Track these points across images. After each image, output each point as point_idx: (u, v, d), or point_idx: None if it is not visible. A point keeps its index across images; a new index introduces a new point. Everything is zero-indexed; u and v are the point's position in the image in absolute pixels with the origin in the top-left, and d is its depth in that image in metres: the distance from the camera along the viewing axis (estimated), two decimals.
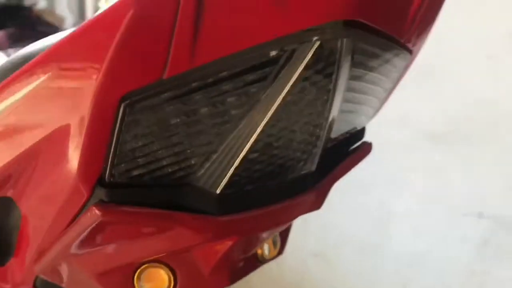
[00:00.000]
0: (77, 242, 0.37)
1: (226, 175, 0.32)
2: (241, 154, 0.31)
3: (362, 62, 0.32)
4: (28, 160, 0.33)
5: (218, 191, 0.32)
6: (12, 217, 0.44)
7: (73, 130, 0.28)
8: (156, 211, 0.32)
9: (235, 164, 0.31)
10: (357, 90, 0.36)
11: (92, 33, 0.26)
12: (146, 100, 0.27)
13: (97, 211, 0.30)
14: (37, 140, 0.30)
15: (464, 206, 1.22)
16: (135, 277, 0.40)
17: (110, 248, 0.37)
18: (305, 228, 1.47)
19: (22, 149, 0.32)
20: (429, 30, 0.37)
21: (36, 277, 0.50)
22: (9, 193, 0.39)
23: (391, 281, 1.39)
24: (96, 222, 0.31)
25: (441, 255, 1.28)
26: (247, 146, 0.30)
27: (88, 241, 0.36)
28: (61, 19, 1.64)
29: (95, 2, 2.73)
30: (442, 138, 1.24)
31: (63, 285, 0.46)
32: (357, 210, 1.45)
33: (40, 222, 0.39)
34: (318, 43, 0.27)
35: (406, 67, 0.40)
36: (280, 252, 0.47)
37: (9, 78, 0.30)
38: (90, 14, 2.79)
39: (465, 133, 1.21)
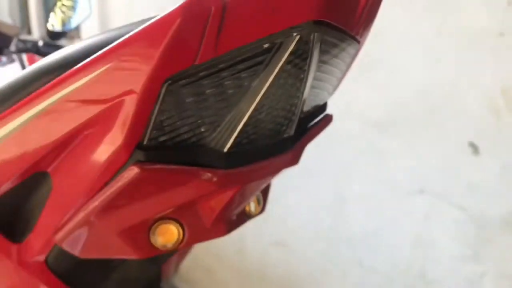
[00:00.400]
0: (105, 204, 0.44)
1: (231, 137, 0.41)
2: (242, 122, 0.40)
3: (327, 50, 0.43)
4: (77, 134, 0.41)
5: (225, 150, 0.41)
6: (40, 193, 0.51)
7: (127, 105, 0.36)
8: (179, 167, 0.41)
9: (237, 129, 0.41)
10: (323, 71, 0.46)
11: (149, 33, 0.34)
12: (180, 81, 0.36)
13: (136, 169, 0.39)
14: (93, 114, 0.39)
15: (407, 185, 1.33)
16: (150, 232, 0.48)
17: (133, 206, 0.45)
18: (264, 218, 1.57)
19: (75, 123, 0.40)
20: (372, 24, 0.48)
21: (49, 253, 0.57)
22: (46, 168, 0.46)
23: (347, 259, 1.50)
24: (133, 179, 0.39)
25: (390, 231, 1.40)
26: (246, 115, 0.40)
27: (116, 201, 0.44)
28: (16, 28, 1.66)
29: (38, 12, 2.73)
30: (385, 125, 1.35)
31: (77, 252, 0.53)
32: (311, 196, 1.55)
33: (71, 192, 0.46)
34: (298, 37, 0.37)
35: (355, 54, 0.51)
36: (262, 209, 0.57)
37: (73, 69, 0.38)
38: (34, 22, 2.79)
39: (404, 120, 1.32)
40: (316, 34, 0.38)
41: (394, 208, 1.37)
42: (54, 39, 1.58)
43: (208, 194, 0.44)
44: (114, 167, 0.41)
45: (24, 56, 1.25)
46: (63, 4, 1.61)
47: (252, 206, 0.55)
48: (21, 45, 1.46)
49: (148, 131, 0.38)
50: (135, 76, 0.36)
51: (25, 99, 0.42)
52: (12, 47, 1.52)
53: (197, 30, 0.34)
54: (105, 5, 2.31)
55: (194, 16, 0.33)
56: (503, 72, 1.11)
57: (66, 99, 0.39)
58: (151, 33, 0.34)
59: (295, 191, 1.57)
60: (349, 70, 0.54)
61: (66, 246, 0.52)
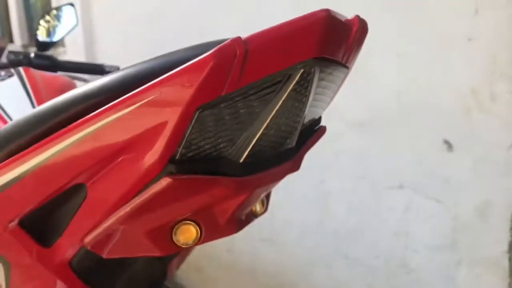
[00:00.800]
0: (135, 209, 0.51)
1: (246, 151, 0.49)
2: (255, 138, 0.48)
3: (323, 78, 0.51)
4: (119, 153, 0.48)
5: (241, 161, 0.49)
6: (73, 202, 0.57)
7: (166, 128, 0.44)
8: (203, 177, 0.48)
9: (251, 144, 0.49)
10: (319, 94, 0.54)
11: (188, 72, 0.42)
12: (209, 109, 0.44)
13: (169, 179, 0.47)
14: (136, 135, 0.46)
15: (386, 180, 1.42)
16: (173, 232, 0.55)
17: (159, 211, 0.52)
18: None
19: (120, 143, 0.47)
20: (359, 52, 0.56)
21: (73, 257, 0.63)
22: (85, 181, 0.53)
23: (333, 253, 1.59)
24: (165, 188, 0.47)
25: (372, 224, 1.49)
26: (259, 133, 0.48)
27: (146, 207, 0.51)
28: (5, 40, 1.70)
29: (20, 20, 2.75)
30: (364, 125, 1.44)
31: (104, 253, 0.60)
32: (297, 194, 1.63)
33: (103, 201, 0.53)
34: (302, 70, 0.45)
35: (345, 78, 0.59)
36: (265, 209, 0.64)
37: (125, 96, 0.46)
38: (16, 31, 2.81)
39: (382, 120, 1.41)
40: (316, 67, 0.46)
41: (375, 202, 1.46)
42: (42, 49, 1.62)
43: (224, 198, 0.52)
44: (147, 179, 0.48)
45: (21, 70, 1.30)
46: (47, 15, 1.66)
47: (257, 207, 0.63)
48: (12, 57, 1.50)
49: (180, 148, 0.46)
50: (175, 105, 0.43)
51: (81, 120, 0.49)
52: (3, 59, 1.56)
53: (226, 69, 0.42)
54: (89, 14, 2.35)
55: (224, 58, 0.42)
56: (472, 74, 1.20)
57: (117, 122, 0.46)
58: (190, 72, 0.42)
59: (282, 189, 1.64)
60: (339, 89, 0.62)
61: (93, 248, 0.59)
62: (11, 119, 1.18)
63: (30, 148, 0.54)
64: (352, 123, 1.45)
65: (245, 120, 0.47)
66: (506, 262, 1.22)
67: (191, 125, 0.45)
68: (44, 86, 1.31)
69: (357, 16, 0.50)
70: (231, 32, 1.85)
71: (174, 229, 0.55)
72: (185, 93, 0.43)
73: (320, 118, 0.61)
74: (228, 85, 0.42)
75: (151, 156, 0.46)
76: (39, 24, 1.63)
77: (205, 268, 1.99)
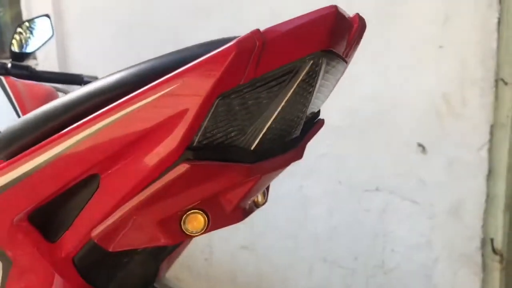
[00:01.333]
0: (149, 198, 0.53)
1: (256, 139, 0.52)
2: (266, 126, 0.51)
3: (327, 71, 0.54)
4: (137, 140, 0.50)
5: (252, 148, 0.52)
6: (83, 194, 0.58)
7: (187, 116, 0.47)
8: (217, 163, 0.51)
9: (262, 131, 0.52)
10: (322, 86, 0.57)
11: (211, 61, 0.45)
12: (228, 98, 0.47)
13: (187, 165, 0.49)
14: (156, 123, 0.48)
15: (364, 183, 1.47)
16: (182, 221, 0.57)
17: (172, 199, 0.54)
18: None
19: (140, 130, 0.49)
20: (357, 48, 0.60)
21: (77, 253, 0.64)
22: (99, 170, 0.54)
23: (312, 256, 1.62)
24: (183, 173, 0.49)
25: (350, 226, 1.53)
26: (270, 121, 0.51)
27: (159, 195, 0.53)
28: None
29: None
30: (342, 130, 1.48)
31: (111, 246, 0.60)
32: (277, 198, 1.66)
33: (116, 191, 0.54)
34: (311, 62, 0.49)
35: (343, 72, 0.63)
36: (266, 200, 0.67)
37: (149, 85, 0.48)
38: None
39: (358, 124, 1.45)
40: (323, 59, 0.50)
41: (353, 205, 1.51)
42: (17, 60, 1.60)
43: (236, 184, 0.54)
44: (164, 166, 0.50)
45: (2, 78, 1.30)
46: (23, 25, 1.65)
47: (259, 197, 0.66)
48: None
49: (197, 136, 0.49)
50: (197, 94, 0.46)
51: (103, 110, 0.51)
52: None
53: (245, 59, 0.45)
54: (61, 26, 2.34)
55: (244, 49, 0.45)
56: (443, 79, 1.27)
57: (139, 111, 0.49)
58: (213, 61, 0.45)
59: None
60: (336, 84, 0.66)
61: (100, 241, 0.60)
62: None
63: (47, 140, 0.55)
64: (329, 127, 1.49)
65: (258, 109, 0.50)
66: (479, 258, 1.28)
67: (210, 113, 0.47)
68: (27, 94, 1.30)
69: (357, 14, 0.54)
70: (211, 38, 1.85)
71: (183, 218, 0.57)
72: (208, 82, 0.45)
73: (319, 111, 0.64)
74: (246, 75, 0.46)
75: (170, 143, 0.49)
76: (14, 34, 1.62)
77: (183, 278, 1.99)
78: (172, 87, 0.47)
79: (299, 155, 0.59)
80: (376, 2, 1.35)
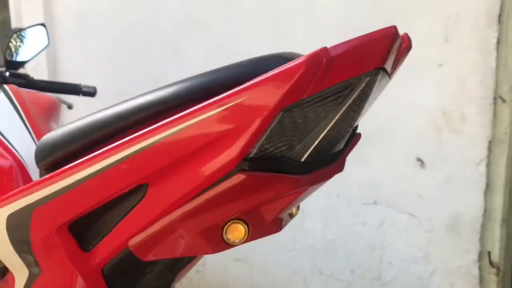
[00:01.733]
0: (197, 208, 0.54)
1: (307, 151, 0.53)
2: (318, 139, 0.53)
3: (377, 87, 0.56)
4: (197, 150, 0.50)
5: (302, 160, 0.53)
6: (128, 203, 0.58)
7: (250, 128, 0.48)
8: (271, 174, 0.52)
9: (313, 145, 0.53)
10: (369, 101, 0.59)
11: (280, 77, 0.47)
12: (290, 111, 0.48)
13: (243, 175, 0.50)
14: (218, 135, 0.49)
15: (362, 197, 1.50)
16: (223, 231, 0.58)
17: (219, 209, 0.55)
18: None
19: (199, 142, 0.50)
20: (400, 66, 0.62)
21: (107, 263, 0.63)
22: (148, 180, 0.55)
23: (308, 269, 1.63)
24: (237, 183, 0.50)
25: (347, 239, 1.55)
26: (322, 134, 0.53)
27: (208, 205, 0.54)
28: None
29: None
30: None
31: (148, 256, 0.60)
32: None
33: (162, 200, 0.55)
34: (367, 79, 0.51)
35: (386, 86, 0.65)
36: (298, 212, 0.69)
37: (213, 99, 0.49)
38: None
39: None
40: (377, 76, 0.52)
41: (350, 218, 1.53)
42: (11, 68, 1.59)
43: (284, 194, 0.55)
44: (218, 176, 0.51)
45: (6, 87, 1.29)
46: (18, 34, 1.64)
47: (294, 209, 0.67)
48: None
49: (255, 147, 0.50)
50: (262, 107, 0.48)
51: (167, 121, 0.51)
52: None
53: (312, 75, 0.47)
54: (52, 34, 2.32)
55: (312, 65, 0.46)
56: (443, 97, 1.31)
57: (203, 122, 0.50)
58: (281, 77, 0.47)
59: None
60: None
61: (137, 250, 0.60)
62: (3, 136, 1.16)
63: (102, 151, 0.56)
64: None
65: (313, 122, 0.51)
66: (476, 271, 1.31)
67: (272, 125, 0.49)
68: (32, 103, 1.30)
69: (406, 34, 0.56)
70: (202, 51, 1.88)
71: (225, 228, 0.58)
72: (275, 96, 0.47)
73: (357, 125, 0.66)
74: (309, 90, 0.47)
75: (230, 154, 0.49)
76: (9, 42, 1.61)
77: None
78: (239, 100, 0.48)
79: (341, 167, 0.61)
80: (378, 21, 1.39)
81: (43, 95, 1.44)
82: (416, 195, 1.39)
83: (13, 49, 1.64)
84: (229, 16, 1.70)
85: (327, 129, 0.52)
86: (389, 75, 0.57)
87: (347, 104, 0.51)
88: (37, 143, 1.28)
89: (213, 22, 1.76)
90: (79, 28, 2.28)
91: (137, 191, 0.57)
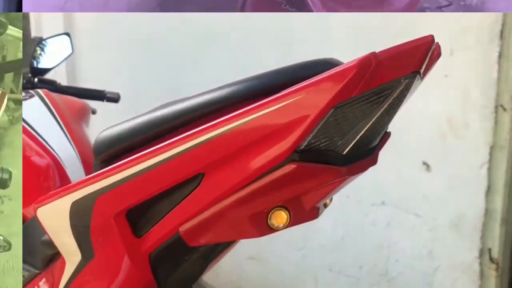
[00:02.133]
0: (249, 194, 0.62)
1: (349, 145, 0.60)
2: (359, 134, 0.60)
3: (412, 89, 0.63)
4: (254, 142, 0.59)
5: (344, 153, 0.61)
6: (183, 191, 0.64)
7: (305, 123, 0.56)
8: (318, 165, 0.60)
9: (355, 140, 0.60)
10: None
11: (333, 78, 0.54)
12: (341, 108, 0.56)
13: (294, 165, 0.58)
14: (274, 129, 0.57)
15: (370, 198, 1.59)
16: (268, 216, 0.66)
17: (270, 195, 0.62)
18: None
19: (259, 135, 0.58)
20: (430, 70, 0.67)
21: (156, 248, 0.67)
22: (205, 170, 0.62)
23: (318, 266, 1.72)
24: (288, 173, 0.58)
25: (356, 238, 1.64)
26: (363, 130, 0.60)
27: (258, 192, 0.62)
28: None
29: None
30: None
31: (197, 241, 0.66)
32: None
33: (216, 188, 0.62)
34: (407, 81, 0.58)
35: (417, 88, 0.70)
36: (330, 204, 0.77)
37: (273, 97, 0.57)
38: None
39: None
40: (414, 79, 0.59)
41: (359, 218, 1.62)
42: (35, 75, 1.66)
43: (323, 184, 0.64)
44: (270, 165, 0.58)
45: (41, 92, 1.37)
46: (41, 43, 1.73)
47: (328, 200, 0.76)
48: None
49: (306, 141, 0.58)
50: (317, 103, 0.55)
51: (228, 117, 0.59)
52: None
53: (362, 75, 0.54)
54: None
55: (363, 68, 0.54)
56: (448, 105, 1.41)
57: (262, 117, 0.57)
58: (335, 77, 0.54)
59: None
60: None
61: (186, 235, 0.65)
62: (41, 137, 1.24)
63: (166, 143, 0.62)
64: None
65: (358, 119, 0.58)
66: (477, 267, 1.41)
67: (323, 120, 0.56)
68: (65, 107, 1.38)
69: (437, 43, 0.63)
70: (223, 64, 1.96)
71: (269, 214, 0.65)
72: (328, 94, 0.54)
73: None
74: (358, 89, 0.55)
75: (284, 145, 0.57)
76: (35, 50, 1.69)
77: None
78: (297, 98, 0.56)
79: (375, 161, 0.69)
80: (385, 36, 1.49)
81: (74, 99, 1.52)
82: (422, 197, 1.49)
83: (38, 57, 1.73)
84: (247, 31, 1.80)
85: (369, 125, 0.59)
86: (421, 78, 0.65)
87: (387, 104, 0.58)
88: (72, 143, 1.37)
89: (229, 37, 1.85)
90: (98, 38, 2.36)
91: (193, 179, 0.63)
